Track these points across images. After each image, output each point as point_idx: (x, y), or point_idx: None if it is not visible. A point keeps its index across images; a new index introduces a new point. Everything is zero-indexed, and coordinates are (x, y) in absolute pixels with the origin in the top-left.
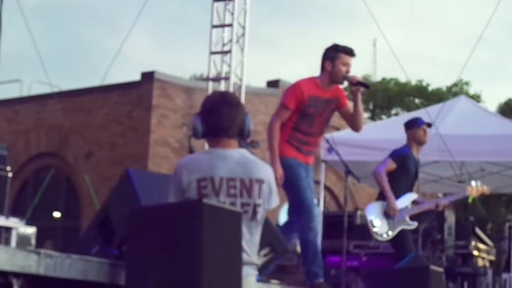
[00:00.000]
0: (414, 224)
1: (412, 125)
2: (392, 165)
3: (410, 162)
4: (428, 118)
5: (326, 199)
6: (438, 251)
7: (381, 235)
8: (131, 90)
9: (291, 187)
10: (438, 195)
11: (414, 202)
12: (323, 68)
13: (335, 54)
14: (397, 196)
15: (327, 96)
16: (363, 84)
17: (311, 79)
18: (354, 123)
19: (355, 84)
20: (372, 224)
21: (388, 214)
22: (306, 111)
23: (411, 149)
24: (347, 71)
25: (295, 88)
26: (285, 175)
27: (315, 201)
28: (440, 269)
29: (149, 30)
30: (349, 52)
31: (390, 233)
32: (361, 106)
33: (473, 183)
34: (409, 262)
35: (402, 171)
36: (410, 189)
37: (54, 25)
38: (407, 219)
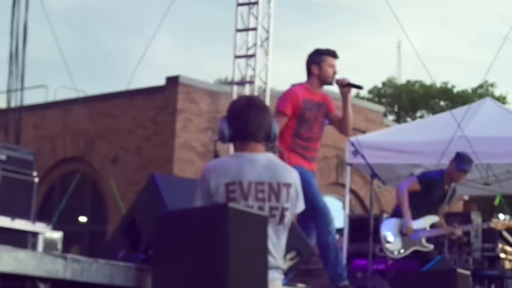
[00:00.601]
0: (429, 247)
1: (456, 160)
2: (416, 185)
3: (436, 189)
4: (453, 120)
5: (351, 202)
6: (465, 254)
7: (392, 252)
8: (156, 95)
9: (304, 194)
10: (464, 197)
11: (433, 226)
12: (309, 73)
13: (320, 57)
14: (414, 216)
15: (318, 100)
16: (354, 85)
17: (301, 85)
18: (343, 127)
19: (346, 85)
20: (385, 239)
21: (403, 232)
22: (303, 115)
23: (444, 178)
24: (334, 73)
25: (289, 93)
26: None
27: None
28: (467, 272)
29: (174, 34)
30: (333, 54)
31: (402, 251)
32: (350, 108)
33: (501, 216)
34: (435, 265)
35: (425, 194)
36: (430, 213)
37: (79, 30)
38: (423, 241)
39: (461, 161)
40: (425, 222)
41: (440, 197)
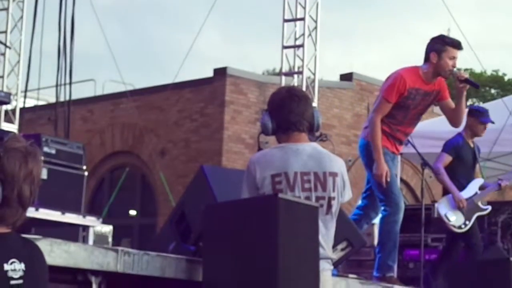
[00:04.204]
0: (488, 208)
1: (477, 116)
2: (447, 158)
3: (464, 151)
4: (504, 108)
5: (402, 192)
6: None
7: (459, 227)
8: (204, 87)
9: None
10: (499, 177)
11: (482, 187)
12: (427, 59)
13: (443, 46)
14: (461, 186)
15: (427, 89)
16: (472, 82)
17: (414, 69)
18: (455, 119)
19: (462, 81)
20: (447, 218)
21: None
22: (404, 102)
23: (465, 137)
24: (454, 66)
25: (398, 80)
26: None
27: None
28: None
29: (220, 26)
30: (457, 45)
31: (467, 222)
32: (464, 103)
33: None
34: (488, 254)
35: (458, 161)
36: (471, 176)
37: (125, 24)
38: (480, 204)
39: (480, 114)
40: (473, 188)
41: (472, 156)
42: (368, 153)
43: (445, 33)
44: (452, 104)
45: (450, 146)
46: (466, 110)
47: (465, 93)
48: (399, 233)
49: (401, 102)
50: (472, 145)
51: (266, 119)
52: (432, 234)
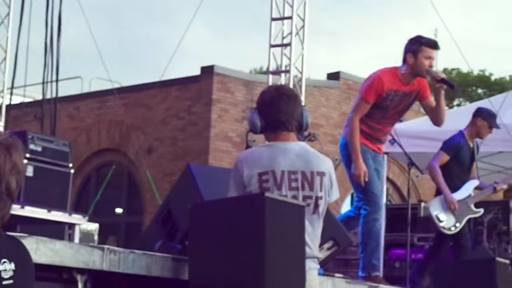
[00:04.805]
0: (480, 211)
1: (486, 118)
2: (445, 157)
3: (463, 151)
4: (491, 108)
5: (389, 191)
6: (504, 243)
7: (449, 229)
8: (191, 85)
9: None
10: (503, 186)
11: (477, 188)
12: (404, 60)
13: (418, 47)
14: (455, 187)
15: (406, 90)
16: (447, 82)
17: (393, 70)
18: (436, 118)
19: (439, 81)
20: (438, 219)
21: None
22: (382, 103)
23: (466, 137)
24: (430, 65)
25: (376, 81)
26: (353, 164)
27: (384, 190)
28: (506, 261)
29: (208, 24)
30: (433, 45)
31: (458, 225)
32: (443, 102)
33: None
34: (474, 254)
35: (455, 162)
36: (467, 177)
37: (113, 21)
38: (472, 207)
39: (490, 116)
40: (467, 189)
41: (470, 157)
42: (348, 153)
43: (432, 33)
44: (433, 103)
45: (450, 145)
46: (446, 109)
47: (443, 92)
48: (385, 232)
49: (379, 103)
50: (472, 145)
51: (255, 117)
52: (419, 233)
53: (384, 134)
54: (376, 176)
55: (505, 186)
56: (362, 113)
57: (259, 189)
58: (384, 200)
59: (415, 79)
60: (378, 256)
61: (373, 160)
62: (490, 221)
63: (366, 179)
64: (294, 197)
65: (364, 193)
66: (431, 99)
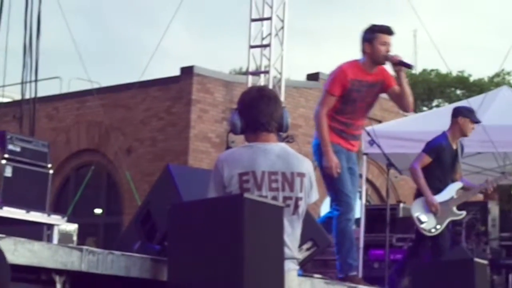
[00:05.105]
0: (462, 214)
1: (466, 115)
2: (427, 159)
3: (445, 153)
4: None
5: (368, 192)
6: (482, 243)
7: (430, 231)
8: (171, 85)
9: (331, 176)
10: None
11: (464, 188)
12: (363, 51)
13: (372, 34)
14: (436, 189)
15: (370, 80)
16: (404, 63)
17: (354, 62)
18: (402, 103)
19: (397, 64)
20: (419, 220)
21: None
22: (349, 95)
23: (449, 138)
24: (387, 51)
25: (339, 73)
26: (323, 157)
27: (357, 190)
28: (485, 262)
29: (188, 24)
30: (386, 30)
31: (438, 227)
32: (406, 85)
33: None
34: (453, 255)
35: (437, 163)
36: (449, 178)
37: (92, 21)
38: (454, 209)
39: (470, 112)
40: (450, 192)
41: (453, 158)
42: (321, 152)
43: (412, 34)
44: (398, 89)
45: (432, 147)
46: (410, 93)
47: (403, 74)
48: (364, 233)
49: (346, 95)
50: (455, 146)
51: (235, 118)
52: (397, 234)
53: (357, 128)
54: (348, 177)
55: (492, 188)
56: (328, 106)
57: (239, 189)
58: (357, 198)
59: (376, 68)
60: (354, 256)
61: (347, 160)
62: (469, 222)
63: (338, 170)
64: (274, 198)
65: (336, 193)
66: (396, 87)
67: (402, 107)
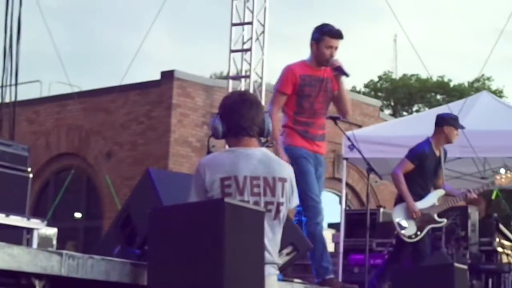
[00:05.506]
0: (442, 221)
1: (451, 124)
2: (409, 165)
3: (428, 160)
4: None
5: (348, 197)
6: (462, 248)
7: (410, 237)
8: (151, 89)
9: (298, 181)
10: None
11: (447, 194)
12: (311, 48)
13: (320, 36)
14: (418, 195)
15: (320, 75)
16: (341, 70)
17: (301, 61)
18: (340, 108)
19: (335, 69)
20: (400, 226)
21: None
22: (302, 91)
23: (433, 145)
24: (331, 54)
25: (287, 71)
26: (293, 168)
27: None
28: (464, 266)
29: (169, 28)
30: (334, 34)
31: (419, 233)
32: (344, 90)
33: (502, 170)
34: (433, 260)
35: (419, 170)
36: (430, 185)
37: (73, 24)
38: (435, 216)
39: (454, 120)
40: (432, 199)
41: (436, 165)
42: (291, 159)
43: (392, 39)
44: (337, 94)
45: (415, 153)
46: (348, 99)
47: (341, 80)
48: (344, 238)
49: (299, 91)
50: (438, 153)
51: (217, 122)
52: (377, 239)
53: (319, 128)
54: (315, 181)
55: (475, 195)
56: (279, 105)
57: (221, 194)
58: (320, 201)
59: (322, 68)
60: (328, 259)
61: (314, 163)
62: (449, 227)
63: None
64: (256, 202)
65: (302, 198)
66: (336, 92)
67: (340, 111)
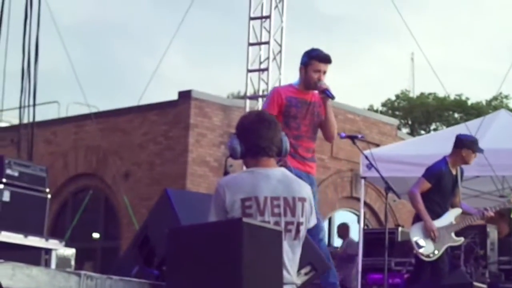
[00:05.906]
0: (460, 240)
1: (470, 147)
2: (426, 184)
3: (445, 179)
4: (468, 132)
5: (366, 216)
6: (481, 267)
7: (428, 256)
8: (168, 110)
9: None
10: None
11: (464, 213)
12: (299, 72)
13: (308, 60)
14: (436, 214)
15: (308, 98)
16: (328, 93)
17: (288, 85)
18: (325, 132)
19: (321, 92)
20: (418, 245)
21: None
22: (288, 112)
23: (449, 164)
24: (319, 78)
25: (272, 93)
26: None
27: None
28: (483, 286)
29: (186, 49)
30: (323, 59)
31: (436, 252)
32: (331, 114)
33: None
34: (452, 279)
35: (436, 189)
36: (448, 204)
37: (90, 46)
38: (453, 235)
39: (473, 143)
40: (449, 218)
41: (453, 184)
42: None
43: (409, 58)
44: (323, 117)
45: (431, 172)
46: (334, 123)
47: (328, 103)
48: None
49: (285, 111)
50: (455, 172)
51: (235, 142)
52: (396, 258)
53: (306, 151)
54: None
55: (492, 213)
56: None
57: (242, 215)
58: (321, 218)
59: (309, 91)
60: (334, 274)
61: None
62: (468, 246)
63: None
64: (277, 223)
65: None
66: (323, 116)
67: (325, 135)
